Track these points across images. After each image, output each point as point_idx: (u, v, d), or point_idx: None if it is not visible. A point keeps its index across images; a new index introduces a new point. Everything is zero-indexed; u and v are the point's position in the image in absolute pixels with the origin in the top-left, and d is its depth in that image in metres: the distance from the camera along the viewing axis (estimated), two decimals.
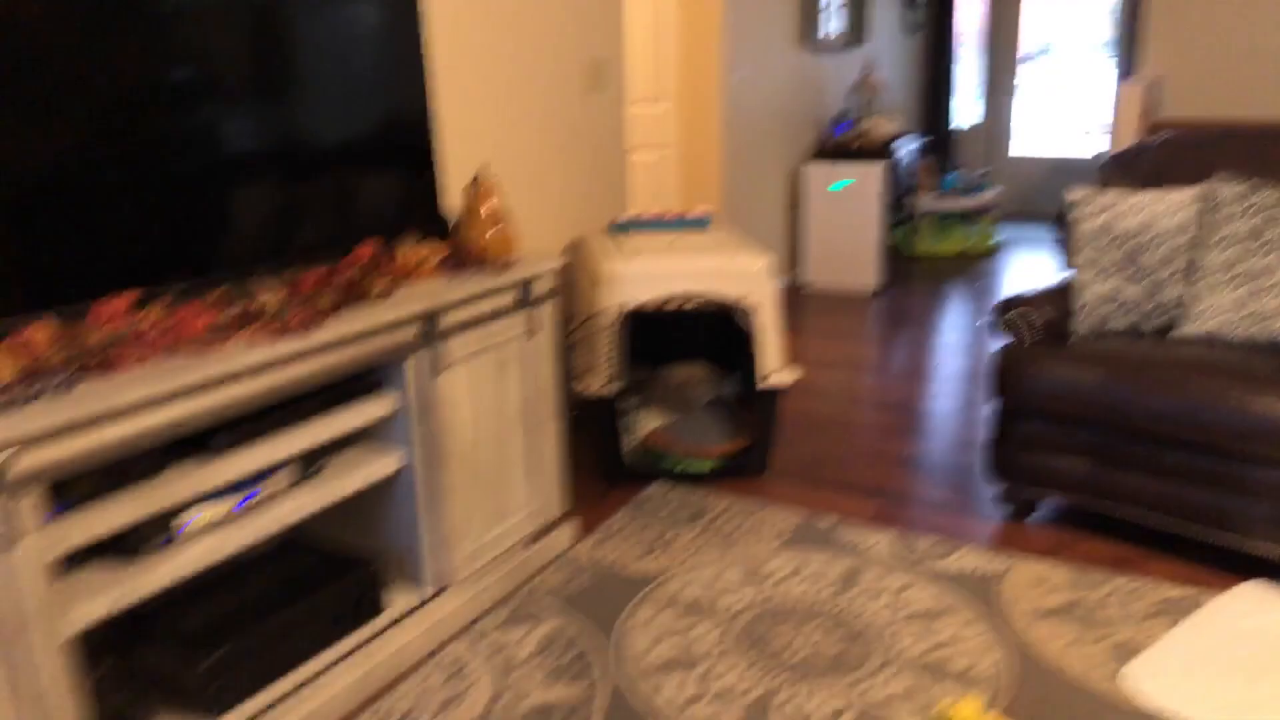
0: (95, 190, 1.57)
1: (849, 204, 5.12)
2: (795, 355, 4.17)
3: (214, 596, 1.85)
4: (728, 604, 2.22)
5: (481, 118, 2.76)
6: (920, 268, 5.89)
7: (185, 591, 1.87)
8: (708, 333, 3.44)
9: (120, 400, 1.41)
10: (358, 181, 2.07)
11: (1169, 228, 2.47)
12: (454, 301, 2.02)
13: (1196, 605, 2.14)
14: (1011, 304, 2.58)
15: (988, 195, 6.10)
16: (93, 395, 1.40)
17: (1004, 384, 2.49)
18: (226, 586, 1.89)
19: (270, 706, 1.77)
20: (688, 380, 3.34)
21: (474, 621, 2.18)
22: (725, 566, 2.39)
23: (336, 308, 1.79)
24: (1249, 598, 2.14)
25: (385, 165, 2.13)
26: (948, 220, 6.22)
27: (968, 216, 6.34)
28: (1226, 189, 2.43)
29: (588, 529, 2.61)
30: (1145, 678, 1.89)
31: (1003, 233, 6.84)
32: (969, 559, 2.39)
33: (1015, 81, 7.52)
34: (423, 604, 2.10)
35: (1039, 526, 2.57)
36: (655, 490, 2.82)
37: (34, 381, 1.37)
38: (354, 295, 1.82)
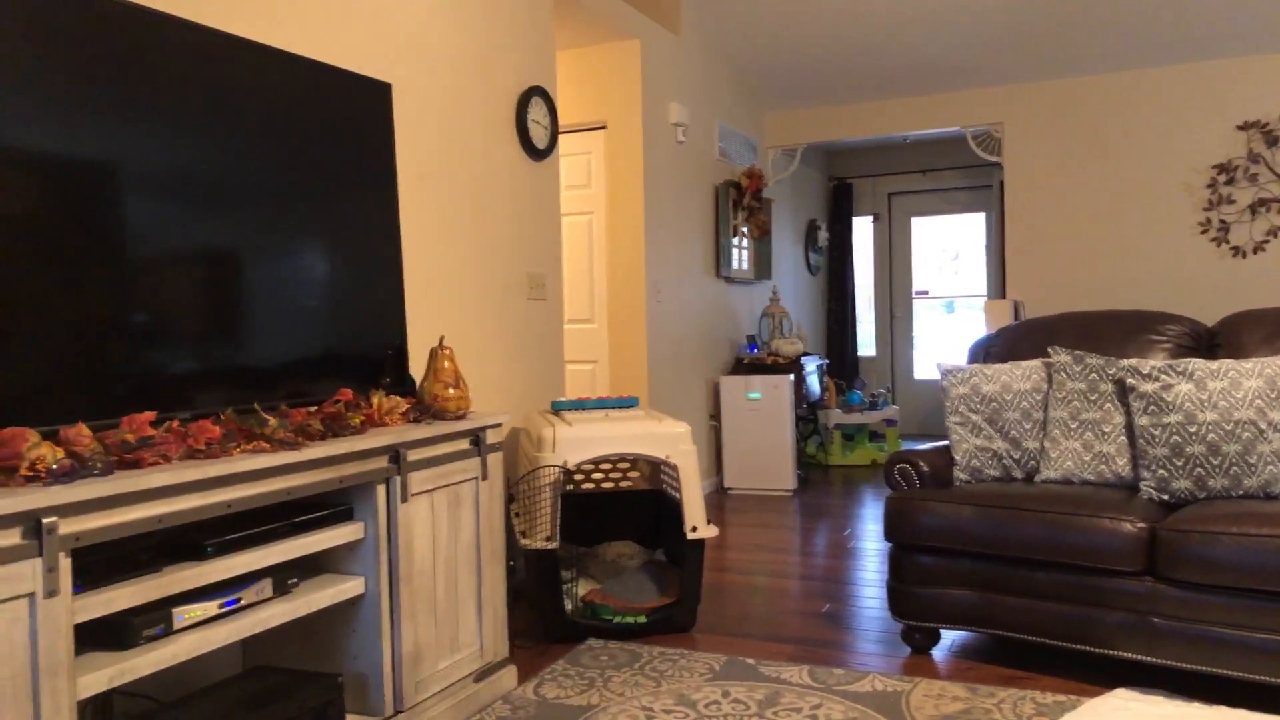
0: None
1: (763, 413, 5.61)
2: (723, 541, 4.47)
3: (188, 707, 2.00)
4: None
5: (442, 305, 3.19)
6: (836, 475, 6.33)
7: (159, 706, 2.02)
8: (636, 516, 3.75)
9: (146, 484, 1.69)
10: (344, 349, 2.44)
11: (1023, 389, 2.95)
12: (418, 440, 2.34)
13: (1073, 708, 2.41)
14: (898, 459, 2.98)
15: (888, 411, 6.68)
16: (124, 480, 1.67)
17: (893, 527, 2.84)
18: (201, 698, 2.05)
19: None
20: (619, 554, 3.62)
21: None
22: (658, 696, 2.59)
23: (323, 435, 2.10)
24: (1116, 699, 2.43)
25: (367, 342, 2.51)
26: (857, 434, 6.74)
27: (876, 432, 6.90)
28: (1061, 357, 2.94)
29: (529, 676, 2.80)
30: None
31: (909, 447, 7.38)
32: (878, 683, 2.64)
33: (912, 313, 8.37)
34: None
35: (939, 656, 2.84)
36: (592, 643, 3.03)
37: (77, 467, 1.65)
38: (337, 424, 2.14)
